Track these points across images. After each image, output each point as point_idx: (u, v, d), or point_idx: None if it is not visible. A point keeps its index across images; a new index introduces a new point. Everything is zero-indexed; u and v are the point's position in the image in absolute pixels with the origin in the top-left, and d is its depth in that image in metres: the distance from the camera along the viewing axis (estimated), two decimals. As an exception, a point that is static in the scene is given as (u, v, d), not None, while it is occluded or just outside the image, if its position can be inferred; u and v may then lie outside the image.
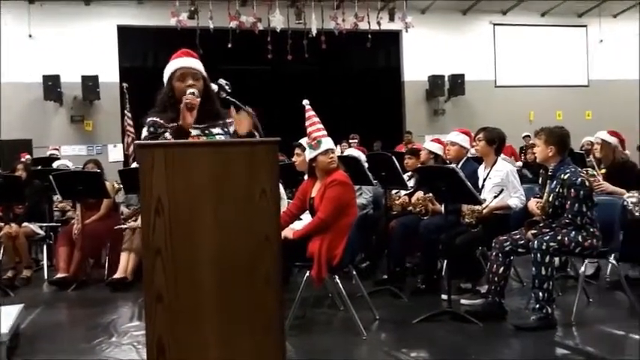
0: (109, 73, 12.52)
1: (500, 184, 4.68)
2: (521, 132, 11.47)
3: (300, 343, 3.80)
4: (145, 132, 3.08)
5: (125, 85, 11.14)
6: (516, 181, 4.79)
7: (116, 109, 12.30)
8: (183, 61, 3.11)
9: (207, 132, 2.98)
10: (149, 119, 3.08)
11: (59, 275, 5.74)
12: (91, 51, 12.38)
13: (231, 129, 3.01)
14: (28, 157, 8.25)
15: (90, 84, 12.35)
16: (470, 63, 14.13)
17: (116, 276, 5.63)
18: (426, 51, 13.93)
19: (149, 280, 2.50)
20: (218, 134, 3.00)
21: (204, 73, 3.08)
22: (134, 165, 7.30)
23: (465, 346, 3.87)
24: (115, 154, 12.56)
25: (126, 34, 12.88)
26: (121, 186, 6.33)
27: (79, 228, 5.79)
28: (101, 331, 4.31)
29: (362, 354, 3.81)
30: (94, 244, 6.06)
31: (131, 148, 10.70)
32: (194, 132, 2.96)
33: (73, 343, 4.11)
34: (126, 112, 10.92)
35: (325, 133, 4.31)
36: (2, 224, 6.04)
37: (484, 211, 4.54)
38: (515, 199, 4.68)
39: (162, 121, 3.04)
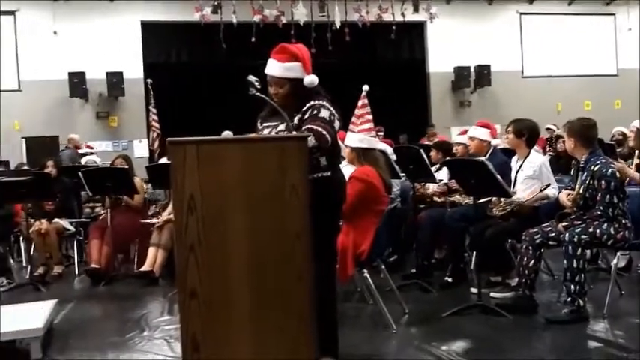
0: (134, 69, 12.62)
1: (532, 177, 4.62)
2: (549, 123, 11.31)
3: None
4: None
5: (149, 80, 11.22)
6: (549, 173, 4.73)
7: (141, 104, 12.41)
8: (269, 67, 3.18)
9: (279, 130, 3.12)
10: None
11: (92, 266, 5.84)
12: (115, 47, 12.50)
13: (295, 120, 3.10)
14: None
15: (115, 80, 12.47)
16: (496, 53, 13.94)
17: (144, 268, 5.70)
18: (451, 42, 13.78)
19: (183, 276, 2.53)
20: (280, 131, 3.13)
21: (291, 74, 3.12)
22: (162, 161, 7.36)
23: (496, 339, 3.83)
24: (141, 149, 12.68)
25: (150, 29, 12.97)
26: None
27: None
28: (133, 326, 4.37)
29: (392, 348, 3.80)
30: (122, 240, 6.14)
31: (156, 144, 10.82)
32: (266, 131, 3.18)
33: (106, 338, 4.16)
34: (150, 107, 10.99)
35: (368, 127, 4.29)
36: (33, 221, 6.14)
37: (526, 202, 4.49)
38: (551, 189, 4.62)
39: (258, 122, 3.29)
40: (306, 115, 3.10)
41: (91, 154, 9.69)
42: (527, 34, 14.43)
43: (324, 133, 3.01)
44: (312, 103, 3.13)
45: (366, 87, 4.35)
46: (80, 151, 10.53)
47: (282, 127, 3.11)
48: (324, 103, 3.13)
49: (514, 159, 4.92)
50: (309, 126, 3.01)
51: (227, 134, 2.90)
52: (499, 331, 3.94)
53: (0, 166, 8.90)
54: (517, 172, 4.79)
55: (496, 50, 13.97)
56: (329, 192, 3.14)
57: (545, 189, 4.50)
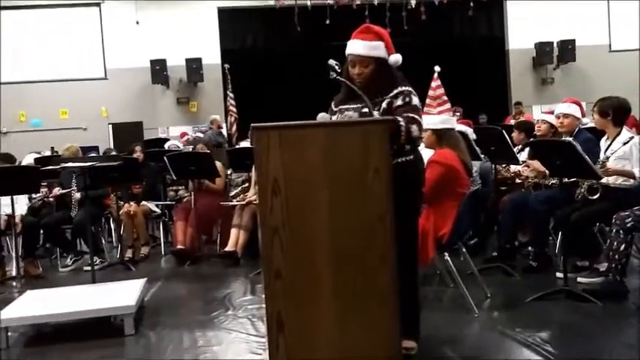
0: (211, 55, 12.93)
1: (623, 157, 4.39)
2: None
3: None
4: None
5: (227, 66, 11.49)
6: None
7: (219, 90, 12.72)
8: (352, 47, 3.11)
9: (363, 112, 3.02)
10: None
11: (178, 247, 6.08)
12: (193, 34, 12.83)
13: (384, 104, 3.05)
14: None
15: (194, 66, 12.83)
16: (581, 27, 13.23)
17: (227, 249, 5.87)
18: (531, 16, 13.21)
19: (268, 257, 2.59)
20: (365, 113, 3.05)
21: (377, 53, 3.07)
22: (241, 144, 7.53)
23: (584, 326, 3.69)
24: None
25: (226, 15, 13.21)
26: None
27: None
28: (218, 305, 4.52)
29: (474, 332, 3.74)
30: (205, 221, 6.34)
31: (234, 128, 11.07)
32: (349, 113, 3.10)
33: (192, 316, 4.33)
34: (228, 92, 11.28)
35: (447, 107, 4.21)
36: (122, 203, 6.45)
37: (607, 171, 4.27)
38: (637, 169, 4.37)
39: (333, 105, 3.23)
40: (399, 102, 3.05)
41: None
42: (615, 5, 13.61)
43: (422, 122, 3.07)
44: (401, 89, 3.08)
45: (437, 68, 4.26)
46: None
47: (367, 110, 3.06)
48: (412, 89, 3.11)
49: (603, 139, 4.69)
50: (412, 115, 2.99)
51: (322, 116, 2.97)
52: (587, 318, 3.79)
53: (90, 152, 9.39)
54: (605, 151, 4.56)
55: (581, 23, 13.26)
56: (413, 175, 3.15)
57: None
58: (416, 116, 3.01)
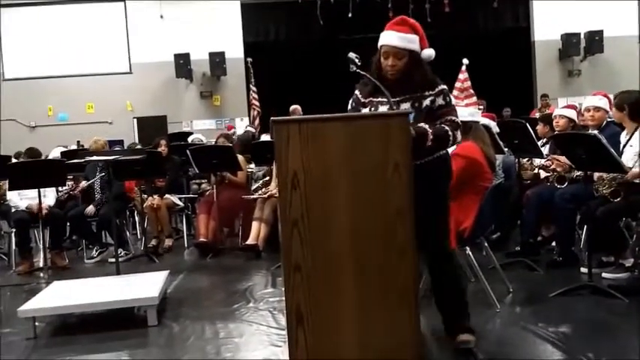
0: (234, 48, 12.98)
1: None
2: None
3: (431, 314, 3.77)
4: (350, 103, 3.19)
5: (249, 59, 11.52)
6: None
7: (242, 83, 12.77)
8: (386, 38, 3.03)
9: (395, 107, 2.94)
10: (355, 91, 3.16)
11: (200, 239, 6.13)
12: (217, 28, 12.89)
13: (427, 102, 3.00)
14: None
15: (217, 60, 12.89)
16: (609, 17, 12.97)
17: (248, 242, 5.91)
18: (558, 7, 12.99)
19: (287, 250, 2.60)
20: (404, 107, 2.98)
21: (412, 46, 3.00)
22: (263, 138, 7.55)
23: (609, 322, 3.63)
24: (243, 127, 13.05)
25: (249, 9, 13.24)
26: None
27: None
28: (239, 297, 4.56)
29: (496, 327, 3.71)
30: (227, 215, 6.38)
31: (257, 122, 11.11)
32: (382, 108, 3.01)
33: (215, 307, 4.38)
34: (251, 86, 11.32)
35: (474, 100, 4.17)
36: (146, 196, 6.53)
37: (627, 176, 4.20)
38: None
39: (360, 96, 3.13)
40: (440, 101, 3.02)
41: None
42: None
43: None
44: (442, 87, 3.05)
45: (465, 61, 4.22)
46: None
47: (407, 105, 3.00)
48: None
49: (623, 133, 4.60)
50: (455, 120, 3.03)
51: None
52: (612, 314, 3.73)
53: (115, 145, 9.51)
54: (624, 147, 4.47)
55: (609, 14, 12.99)
56: (446, 169, 3.17)
57: None
58: (457, 119, 3.04)
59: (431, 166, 3.01)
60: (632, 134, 4.43)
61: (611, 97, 4.99)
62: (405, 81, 3.00)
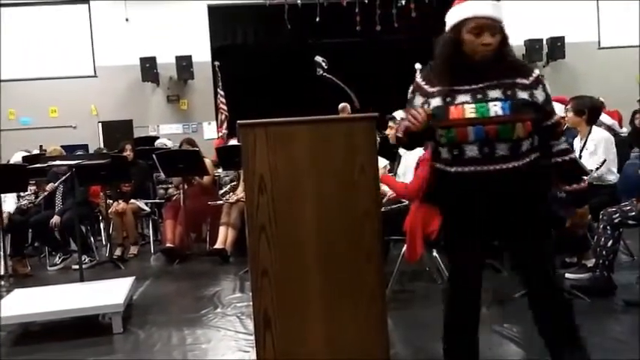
0: (201, 52, 12.85)
1: (595, 153, 4.42)
2: (629, 96, 10.74)
3: (400, 316, 3.80)
4: (409, 94, 2.59)
5: (217, 63, 11.44)
6: (609, 151, 4.49)
7: (209, 87, 12.66)
8: (479, 7, 2.33)
9: (479, 96, 2.36)
10: (416, 79, 2.56)
11: (167, 245, 6.06)
12: (183, 31, 12.75)
13: (524, 94, 2.38)
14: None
15: (184, 64, 12.75)
16: (570, 24, 13.25)
17: (216, 246, 5.86)
18: (521, 13, 13.24)
19: (254, 255, 2.58)
20: (497, 99, 2.34)
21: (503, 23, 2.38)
22: (231, 142, 7.51)
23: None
24: (210, 131, 12.96)
25: (216, 12, 13.14)
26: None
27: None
28: (207, 302, 4.52)
29: (462, 328, 3.74)
30: (195, 219, 6.34)
31: (224, 126, 11.03)
32: (461, 97, 2.38)
33: (182, 313, 4.33)
34: (219, 90, 11.23)
35: None
36: (111, 202, 6.43)
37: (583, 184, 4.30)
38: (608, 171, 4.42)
39: (426, 87, 2.49)
40: (542, 95, 2.43)
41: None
42: (604, 2, 13.66)
43: None
44: (537, 72, 2.47)
45: (418, 65, 4.25)
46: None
47: (497, 92, 2.35)
48: None
49: (577, 139, 4.71)
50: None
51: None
52: (575, 314, 3.81)
53: (79, 150, 9.33)
54: (581, 151, 4.59)
55: (570, 20, 13.29)
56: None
57: (600, 167, 4.28)
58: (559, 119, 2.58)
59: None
60: (587, 138, 4.56)
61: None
62: (494, 63, 2.36)
